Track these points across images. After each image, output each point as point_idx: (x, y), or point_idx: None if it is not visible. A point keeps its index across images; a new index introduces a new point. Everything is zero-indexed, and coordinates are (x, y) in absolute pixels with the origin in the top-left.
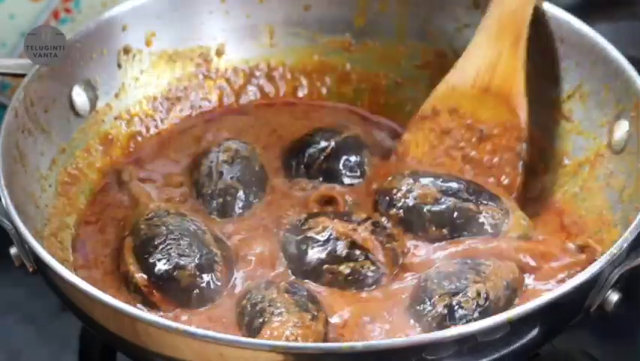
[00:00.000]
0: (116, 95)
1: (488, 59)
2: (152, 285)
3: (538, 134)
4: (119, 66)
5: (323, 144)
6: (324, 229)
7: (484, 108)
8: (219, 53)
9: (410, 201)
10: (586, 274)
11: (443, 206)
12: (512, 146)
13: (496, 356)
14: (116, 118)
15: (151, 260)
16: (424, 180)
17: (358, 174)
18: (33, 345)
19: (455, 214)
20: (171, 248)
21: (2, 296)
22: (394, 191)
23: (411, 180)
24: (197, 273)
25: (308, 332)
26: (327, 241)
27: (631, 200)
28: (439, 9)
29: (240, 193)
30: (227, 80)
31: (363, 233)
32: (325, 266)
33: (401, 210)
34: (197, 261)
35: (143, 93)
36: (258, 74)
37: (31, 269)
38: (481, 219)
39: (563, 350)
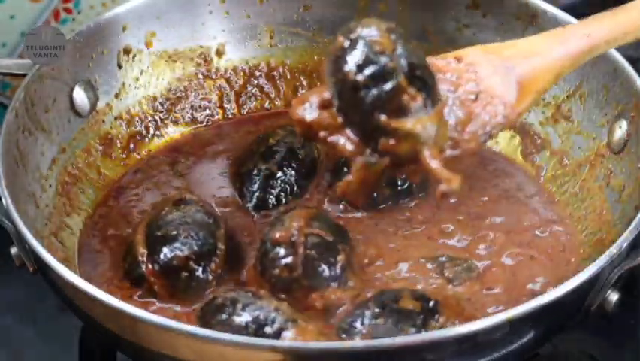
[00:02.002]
0: (116, 95)
1: (536, 51)
2: (149, 259)
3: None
4: (119, 66)
5: None
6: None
7: (497, 78)
8: (219, 53)
9: (361, 44)
10: (586, 274)
11: (382, 62)
12: (490, 119)
13: (496, 356)
14: (116, 118)
15: (157, 233)
16: (393, 34)
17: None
18: (33, 345)
19: (388, 75)
20: (179, 230)
21: (2, 296)
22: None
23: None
24: (193, 257)
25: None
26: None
27: (631, 200)
28: (439, 9)
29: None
30: (228, 80)
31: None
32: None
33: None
34: (195, 247)
35: (143, 93)
36: (258, 74)
37: (31, 269)
38: (404, 98)
39: (563, 350)
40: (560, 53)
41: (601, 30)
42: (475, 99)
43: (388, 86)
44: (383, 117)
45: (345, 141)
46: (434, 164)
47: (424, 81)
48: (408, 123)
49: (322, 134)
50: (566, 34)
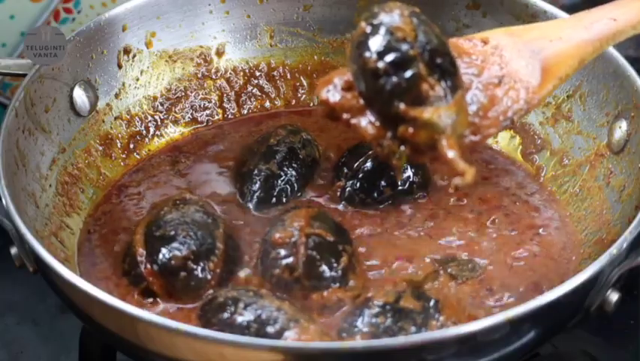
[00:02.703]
0: (116, 95)
1: (562, 35)
2: (148, 259)
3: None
4: (119, 66)
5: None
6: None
7: (521, 63)
8: (219, 53)
9: (382, 31)
10: (586, 274)
11: (402, 49)
12: (512, 104)
13: (496, 356)
14: (116, 118)
15: (156, 233)
16: (415, 19)
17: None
18: (33, 345)
19: (408, 63)
20: (177, 230)
21: (2, 296)
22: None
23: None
24: (191, 257)
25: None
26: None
27: (631, 200)
28: (439, 9)
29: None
30: (228, 80)
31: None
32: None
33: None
34: (194, 247)
35: (144, 93)
36: (258, 74)
37: (31, 269)
38: (423, 87)
39: (563, 350)
40: (585, 36)
41: (627, 14)
42: (498, 83)
43: (408, 74)
44: (402, 106)
45: (367, 124)
46: (451, 154)
47: (444, 69)
48: (426, 113)
49: (345, 116)
50: (592, 18)
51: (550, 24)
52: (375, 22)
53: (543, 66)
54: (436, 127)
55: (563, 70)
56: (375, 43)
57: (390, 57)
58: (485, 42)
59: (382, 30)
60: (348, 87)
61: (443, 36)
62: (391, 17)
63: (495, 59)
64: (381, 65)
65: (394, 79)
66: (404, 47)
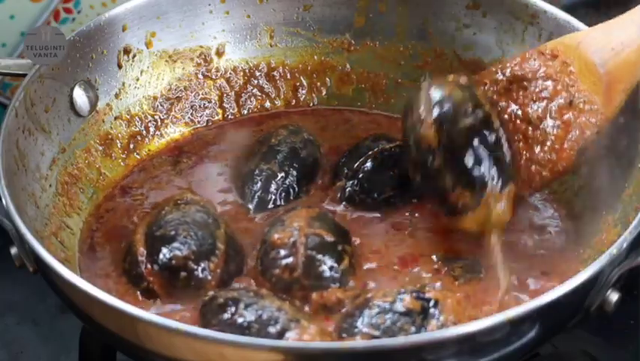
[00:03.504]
0: (116, 95)
1: (622, 39)
2: (148, 259)
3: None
4: (119, 66)
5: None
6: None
7: (588, 78)
8: (219, 53)
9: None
10: (586, 274)
11: (428, 161)
12: (584, 130)
13: (496, 356)
14: (116, 118)
15: (157, 233)
16: (439, 115)
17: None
18: (33, 345)
19: (434, 178)
20: (178, 230)
21: (2, 296)
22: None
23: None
24: (192, 257)
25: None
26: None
27: (631, 200)
28: (439, 9)
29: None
30: (228, 80)
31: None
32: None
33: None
34: (194, 247)
35: (144, 93)
36: (257, 74)
37: (31, 269)
38: (451, 199)
39: (563, 350)
40: None
41: None
42: (569, 105)
43: (437, 185)
44: (445, 219)
45: None
46: (495, 251)
47: (471, 177)
48: (464, 223)
49: None
50: None
51: (610, 25)
52: (407, 124)
53: (608, 81)
54: (478, 230)
55: (628, 81)
56: (407, 153)
57: (420, 169)
58: (555, 55)
59: (411, 137)
60: None
61: (483, 109)
62: (415, 124)
63: (564, 77)
64: (416, 178)
65: (429, 190)
66: (429, 157)
